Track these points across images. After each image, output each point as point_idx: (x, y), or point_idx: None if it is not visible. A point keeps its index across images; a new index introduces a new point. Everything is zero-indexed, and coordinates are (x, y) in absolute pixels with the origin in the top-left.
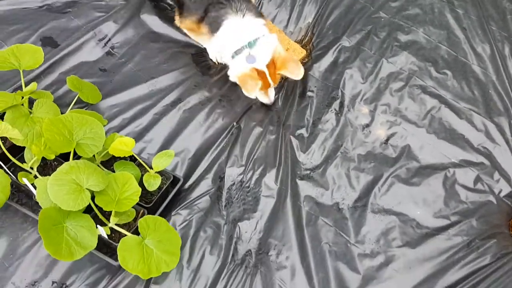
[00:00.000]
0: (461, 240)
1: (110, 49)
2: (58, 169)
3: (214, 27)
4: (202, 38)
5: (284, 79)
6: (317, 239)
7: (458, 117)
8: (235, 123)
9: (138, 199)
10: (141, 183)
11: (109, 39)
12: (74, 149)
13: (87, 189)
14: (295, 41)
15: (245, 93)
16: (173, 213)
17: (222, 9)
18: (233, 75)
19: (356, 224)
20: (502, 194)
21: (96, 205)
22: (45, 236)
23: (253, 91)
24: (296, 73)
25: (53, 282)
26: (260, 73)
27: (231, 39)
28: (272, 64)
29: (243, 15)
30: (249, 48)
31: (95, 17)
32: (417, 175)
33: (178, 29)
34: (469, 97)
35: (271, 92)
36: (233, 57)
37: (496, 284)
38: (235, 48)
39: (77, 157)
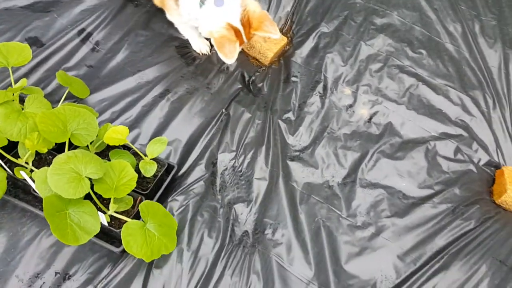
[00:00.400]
0: (446, 208)
1: (95, 46)
2: (56, 159)
3: None
4: (171, 12)
5: (268, 67)
6: (311, 216)
7: (435, 93)
8: (223, 110)
9: (135, 187)
10: (137, 171)
11: (93, 36)
12: (69, 141)
13: (86, 177)
14: None
15: (223, 58)
16: (169, 200)
17: None
18: (206, 30)
19: (347, 199)
20: (481, 163)
21: (95, 194)
22: (51, 221)
23: (233, 55)
24: (272, 31)
25: (56, 273)
26: (236, 33)
27: None
28: (247, 24)
29: None
30: None
31: (78, 15)
32: (401, 149)
33: (160, 23)
34: (444, 73)
35: (237, 52)
36: (200, 6)
37: (481, 247)
38: None
39: (72, 148)
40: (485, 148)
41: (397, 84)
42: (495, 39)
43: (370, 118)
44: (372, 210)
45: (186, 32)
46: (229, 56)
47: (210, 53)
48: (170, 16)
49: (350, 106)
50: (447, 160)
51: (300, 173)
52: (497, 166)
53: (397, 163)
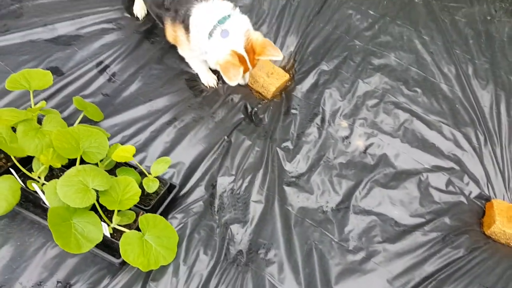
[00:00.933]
0: (436, 235)
1: (111, 77)
2: (66, 172)
3: (186, 21)
4: (183, 47)
5: (270, 100)
6: (303, 238)
7: (429, 128)
8: (226, 137)
9: (138, 202)
10: (141, 188)
11: (110, 68)
12: (81, 158)
13: (92, 189)
14: (279, 67)
15: (227, 81)
16: (169, 217)
17: (188, 3)
18: (214, 60)
19: (340, 224)
20: (472, 196)
21: (100, 206)
22: (54, 230)
23: (236, 78)
24: (275, 54)
25: (57, 282)
26: (241, 59)
27: (202, 22)
28: (251, 50)
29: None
30: (221, 24)
31: (97, 49)
32: (394, 179)
33: (173, 58)
34: (438, 111)
35: (247, 75)
36: (209, 38)
37: (469, 274)
38: (209, 29)
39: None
40: (476, 182)
41: (392, 118)
42: (487, 81)
43: (366, 149)
44: (364, 236)
45: (196, 65)
46: (233, 79)
47: (217, 86)
48: (181, 51)
49: (347, 137)
50: (439, 191)
51: (296, 198)
52: (488, 199)
53: (390, 192)
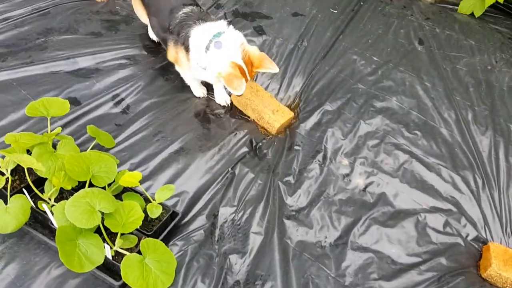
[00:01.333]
0: (432, 275)
1: (125, 109)
2: (75, 194)
3: (186, 43)
4: (182, 66)
5: (274, 136)
6: (300, 271)
7: (428, 170)
8: (230, 169)
9: (141, 227)
10: (144, 214)
11: (125, 101)
12: (90, 182)
13: (98, 211)
14: (284, 105)
15: (233, 91)
16: (170, 243)
17: (188, 26)
18: (214, 73)
19: (337, 260)
20: (469, 238)
21: (105, 228)
22: (60, 247)
23: (241, 88)
24: (271, 67)
25: None
26: (241, 70)
27: (199, 39)
28: (249, 62)
29: (205, 22)
30: (216, 38)
31: (114, 83)
32: (392, 218)
33: (185, 94)
34: (437, 153)
35: (245, 85)
36: (206, 51)
37: None
38: (205, 44)
39: None
40: (473, 224)
41: (393, 159)
42: (486, 127)
43: (365, 187)
44: (360, 272)
45: (189, 80)
46: (238, 90)
47: (206, 95)
48: (180, 68)
49: (347, 175)
50: (436, 232)
51: (295, 231)
52: (484, 242)
53: (388, 230)
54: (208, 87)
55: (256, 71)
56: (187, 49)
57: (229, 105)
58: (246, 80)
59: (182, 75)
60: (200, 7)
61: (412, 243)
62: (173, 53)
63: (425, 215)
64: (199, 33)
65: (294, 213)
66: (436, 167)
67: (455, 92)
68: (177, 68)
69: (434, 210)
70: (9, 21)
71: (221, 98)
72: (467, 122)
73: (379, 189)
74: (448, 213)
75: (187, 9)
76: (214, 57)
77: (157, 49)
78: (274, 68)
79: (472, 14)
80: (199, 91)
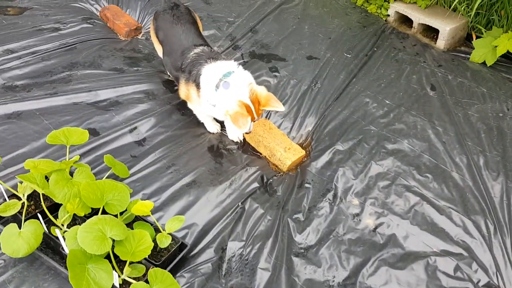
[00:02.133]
0: None
1: (142, 141)
2: (87, 220)
3: (197, 80)
4: (194, 103)
5: (285, 173)
6: None
7: (439, 213)
8: (240, 204)
9: (149, 257)
10: (154, 243)
11: (142, 134)
12: (103, 209)
13: (109, 237)
14: (296, 143)
15: (238, 129)
16: (177, 275)
17: (199, 65)
18: (223, 111)
19: None
20: (480, 284)
21: (114, 256)
22: (71, 270)
23: (246, 127)
24: (278, 106)
25: None
26: (247, 108)
27: (210, 78)
28: (256, 101)
29: (216, 60)
30: (225, 77)
31: (132, 116)
32: (402, 260)
33: (200, 129)
34: (448, 197)
35: (252, 124)
36: (216, 90)
37: None
38: (215, 83)
39: None
40: (485, 270)
41: (403, 201)
42: (498, 172)
43: (375, 228)
44: None
45: (202, 117)
46: (242, 128)
47: (219, 131)
48: (191, 105)
49: (357, 215)
50: (446, 276)
51: (303, 269)
52: None
53: (398, 273)
54: (222, 123)
55: (263, 110)
56: (198, 87)
57: (242, 141)
58: (253, 119)
59: (195, 112)
60: (211, 48)
61: (422, 286)
62: (185, 90)
63: (436, 258)
64: (210, 72)
65: (302, 250)
66: (447, 211)
67: (466, 137)
68: (189, 105)
69: (445, 253)
70: (36, 54)
71: (233, 134)
72: (479, 167)
73: (389, 230)
74: (459, 257)
75: (198, 50)
76: (222, 95)
77: (175, 86)
78: (280, 107)
79: (484, 63)
80: (213, 127)
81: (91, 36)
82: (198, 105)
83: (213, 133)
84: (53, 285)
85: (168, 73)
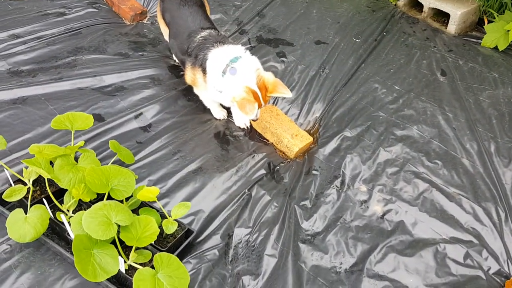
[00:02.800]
0: None
1: (147, 127)
2: (93, 206)
3: (203, 65)
4: (200, 88)
5: (293, 159)
6: None
7: (448, 200)
8: (246, 190)
9: (156, 243)
10: (160, 230)
11: (148, 119)
12: (108, 195)
13: (115, 223)
14: (304, 130)
15: (244, 115)
16: (184, 261)
17: (206, 49)
18: (229, 97)
19: (352, 287)
20: (491, 272)
21: (120, 242)
22: (76, 255)
23: (253, 113)
24: (285, 92)
25: None
26: (254, 95)
27: (217, 63)
28: (263, 87)
29: (223, 44)
30: (232, 63)
31: (137, 101)
32: (410, 247)
33: (206, 115)
34: (458, 184)
35: (259, 111)
36: (222, 76)
37: None
38: (222, 68)
39: None
40: (495, 258)
41: (412, 187)
42: (509, 159)
43: (383, 215)
44: None
45: (208, 102)
46: (249, 114)
47: (226, 118)
48: (197, 90)
49: (365, 201)
50: (456, 263)
51: (310, 256)
52: (507, 277)
53: (406, 259)
54: (228, 109)
55: (270, 96)
56: (204, 72)
57: (248, 127)
58: (260, 105)
59: (201, 98)
60: (218, 31)
61: (431, 273)
62: (191, 75)
63: (445, 246)
64: (217, 57)
65: (309, 237)
66: (457, 197)
67: (477, 123)
68: (195, 90)
69: (454, 241)
70: (42, 39)
71: (240, 121)
72: (490, 154)
73: (397, 217)
74: (469, 244)
75: (205, 33)
76: (229, 81)
77: (181, 71)
78: (288, 93)
79: (495, 48)
80: (219, 113)
81: (96, 20)
82: (205, 91)
83: (220, 120)
84: (59, 270)
85: (174, 57)
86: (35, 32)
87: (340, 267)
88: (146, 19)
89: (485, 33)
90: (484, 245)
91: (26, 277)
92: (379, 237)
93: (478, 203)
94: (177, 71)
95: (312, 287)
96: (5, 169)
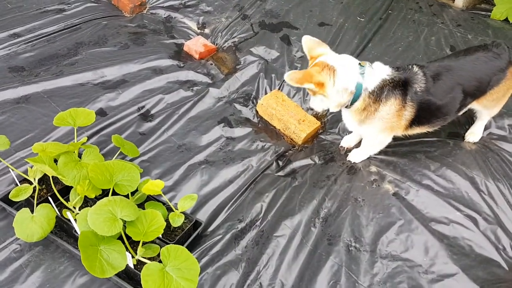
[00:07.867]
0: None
1: (150, 118)
2: (98, 202)
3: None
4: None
5: (301, 145)
6: (327, 277)
7: (462, 178)
8: (254, 179)
9: (164, 237)
10: (167, 223)
11: (150, 111)
12: (113, 190)
13: (120, 219)
14: (311, 115)
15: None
16: (193, 253)
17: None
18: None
19: (365, 266)
20: (506, 251)
21: (127, 237)
22: (83, 252)
23: None
24: None
25: None
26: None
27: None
28: None
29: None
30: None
31: (139, 94)
32: (423, 226)
33: (208, 106)
34: (471, 162)
35: None
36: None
37: None
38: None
39: None
40: (510, 237)
41: (423, 167)
42: None
43: (394, 194)
44: (389, 281)
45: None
46: None
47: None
48: None
49: (376, 181)
50: (469, 242)
51: (321, 236)
52: None
53: (419, 239)
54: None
55: None
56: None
57: (255, 114)
58: None
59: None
60: None
61: (443, 252)
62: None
63: (458, 225)
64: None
65: (321, 219)
66: (470, 175)
67: None
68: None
69: (469, 219)
70: (42, 37)
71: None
72: (504, 128)
73: (409, 197)
74: (483, 224)
75: None
76: None
77: (183, 61)
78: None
79: (506, 20)
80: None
81: (96, 15)
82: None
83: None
84: (69, 267)
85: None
86: (35, 30)
87: (353, 246)
88: (146, 10)
89: (494, 5)
90: (500, 223)
91: (37, 276)
92: (391, 217)
93: (493, 181)
94: (178, 61)
95: (323, 267)
96: (10, 169)
